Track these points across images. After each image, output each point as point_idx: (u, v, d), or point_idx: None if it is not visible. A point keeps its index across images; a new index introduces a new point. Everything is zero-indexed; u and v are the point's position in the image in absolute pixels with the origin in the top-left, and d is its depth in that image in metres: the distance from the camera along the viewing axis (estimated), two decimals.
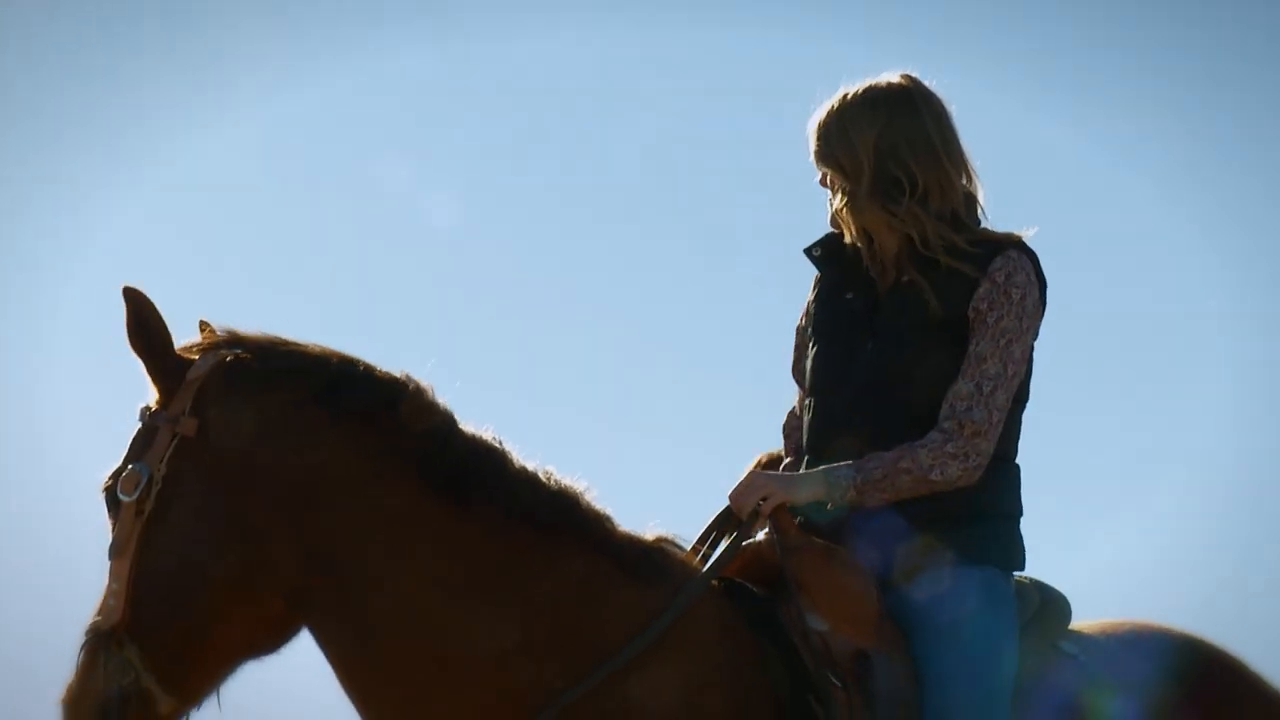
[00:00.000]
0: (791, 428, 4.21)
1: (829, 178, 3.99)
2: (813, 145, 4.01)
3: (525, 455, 3.78)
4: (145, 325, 3.68)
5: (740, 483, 3.88)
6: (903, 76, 3.99)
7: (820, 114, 4.00)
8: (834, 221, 4.03)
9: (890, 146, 3.92)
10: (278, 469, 3.60)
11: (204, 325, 3.78)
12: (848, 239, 4.01)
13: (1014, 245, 3.94)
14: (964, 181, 3.98)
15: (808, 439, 4.06)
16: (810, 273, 4.16)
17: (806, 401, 4.10)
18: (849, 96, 3.98)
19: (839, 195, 3.97)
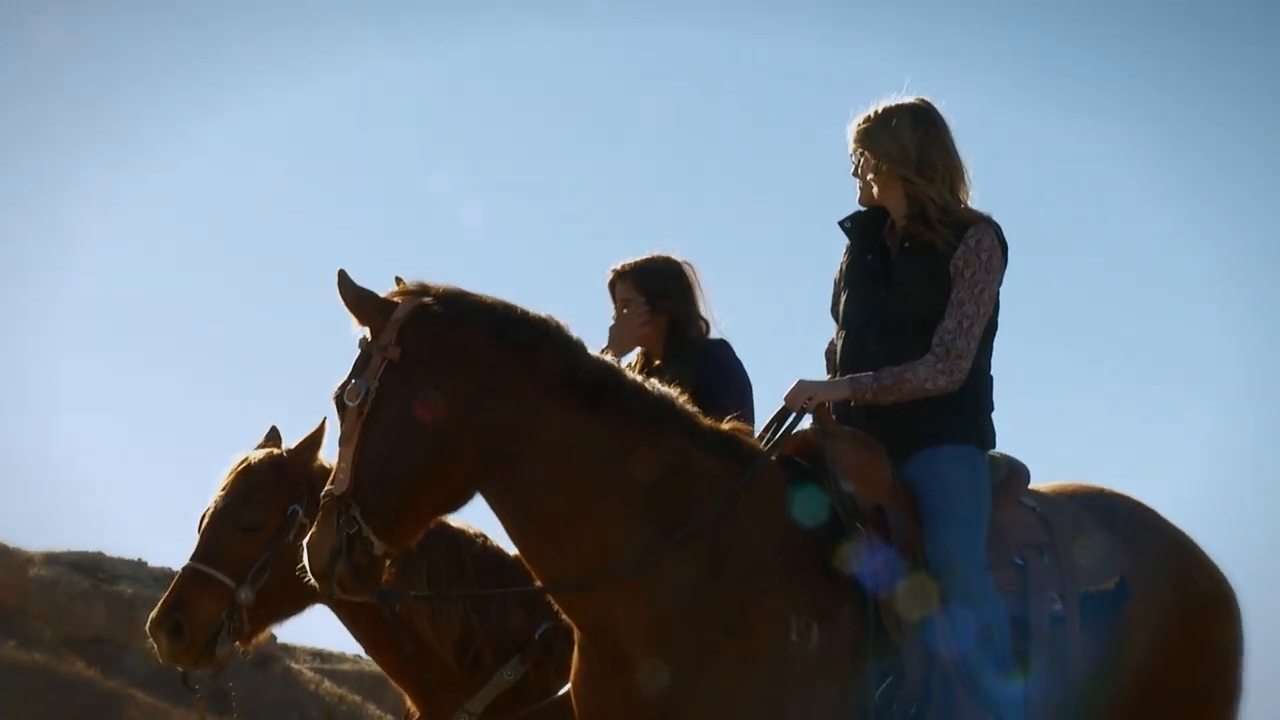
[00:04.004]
0: (830, 354, 5.48)
1: (866, 162, 5.26)
2: (859, 137, 5.28)
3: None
4: (354, 288, 4.77)
5: (791, 388, 5.13)
6: (920, 99, 5.30)
7: (863, 117, 5.30)
8: (864, 199, 5.33)
9: (923, 141, 5.22)
10: (459, 384, 4.69)
11: (399, 280, 4.89)
12: (874, 201, 5.26)
13: (983, 220, 5.22)
14: (959, 176, 5.28)
15: (840, 361, 5.32)
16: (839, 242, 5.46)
17: (840, 334, 5.36)
18: (889, 107, 5.29)
19: (879, 173, 5.24)
